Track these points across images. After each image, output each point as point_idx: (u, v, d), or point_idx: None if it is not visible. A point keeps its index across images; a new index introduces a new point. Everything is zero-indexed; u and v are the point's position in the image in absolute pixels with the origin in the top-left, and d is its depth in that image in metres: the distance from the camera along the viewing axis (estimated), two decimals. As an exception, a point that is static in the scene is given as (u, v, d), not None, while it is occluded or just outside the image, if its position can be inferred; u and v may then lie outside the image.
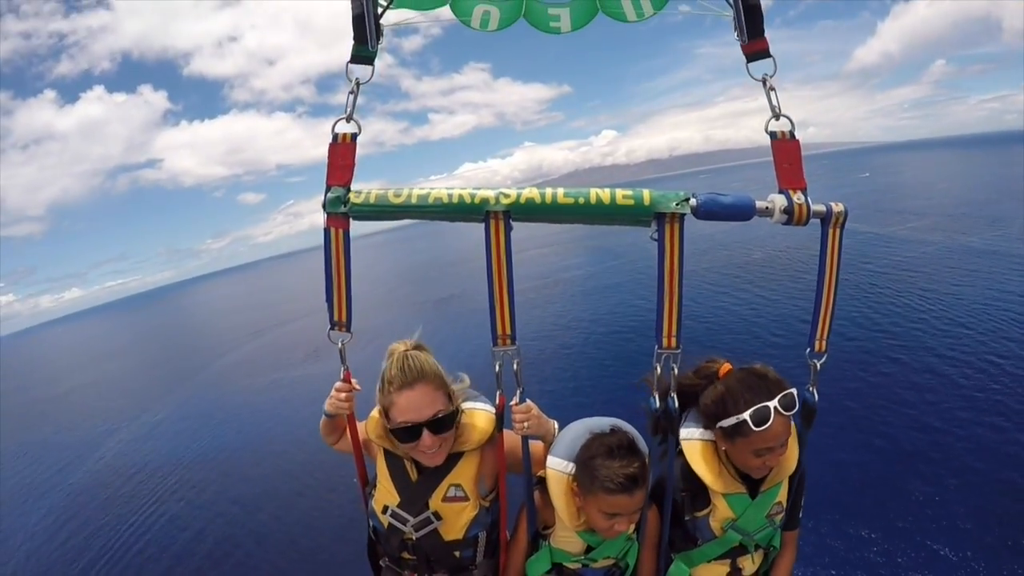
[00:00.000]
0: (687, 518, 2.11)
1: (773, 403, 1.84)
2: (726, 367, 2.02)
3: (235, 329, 38.93)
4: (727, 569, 2.14)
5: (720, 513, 2.04)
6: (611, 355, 14.00)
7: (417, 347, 2.09)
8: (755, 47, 1.84)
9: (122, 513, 11.27)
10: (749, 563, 2.14)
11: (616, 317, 17.70)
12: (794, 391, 1.89)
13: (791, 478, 2.09)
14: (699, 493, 2.07)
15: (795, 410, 1.88)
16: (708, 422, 2.02)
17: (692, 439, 2.06)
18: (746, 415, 1.85)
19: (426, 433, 1.96)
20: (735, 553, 2.12)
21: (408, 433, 1.96)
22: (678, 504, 2.13)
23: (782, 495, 2.07)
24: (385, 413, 2.03)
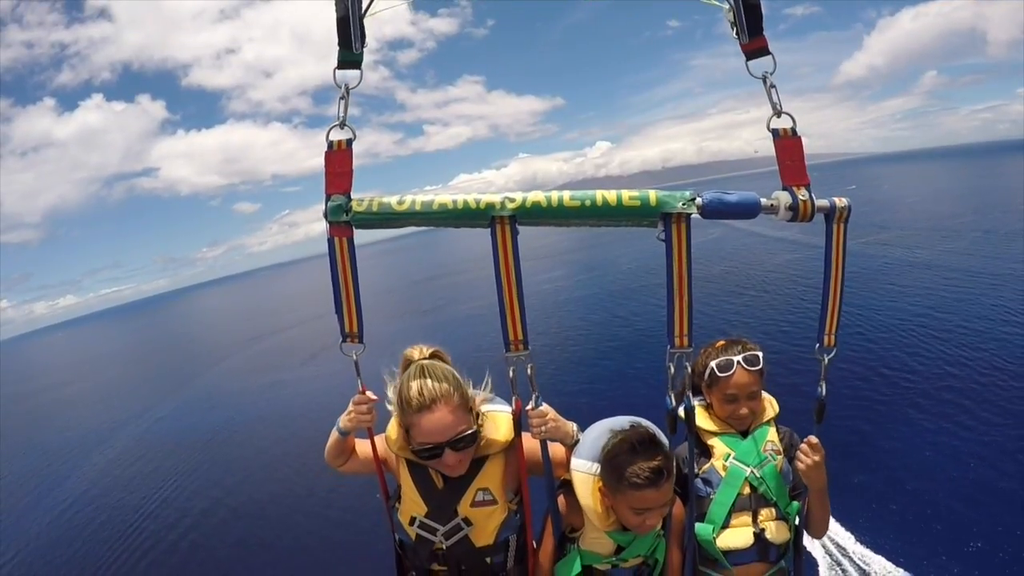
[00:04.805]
0: (698, 478, 2.17)
1: (737, 357, 2.14)
2: (721, 342, 2.28)
3: (233, 336, 39.84)
4: (751, 529, 2.12)
5: (719, 451, 2.18)
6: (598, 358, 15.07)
7: (434, 354, 2.07)
8: (754, 45, 1.80)
9: (131, 501, 12.55)
10: (771, 523, 2.13)
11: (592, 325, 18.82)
12: (760, 353, 2.16)
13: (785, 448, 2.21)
14: (702, 450, 2.22)
15: (759, 367, 2.14)
16: (697, 379, 2.25)
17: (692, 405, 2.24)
18: (712, 363, 2.17)
19: (448, 452, 1.91)
20: (753, 504, 2.13)
21: (430, 452, 1.92)
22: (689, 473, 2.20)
23: (772, 436, 2.21)
24: (405, 431, 1.99)
